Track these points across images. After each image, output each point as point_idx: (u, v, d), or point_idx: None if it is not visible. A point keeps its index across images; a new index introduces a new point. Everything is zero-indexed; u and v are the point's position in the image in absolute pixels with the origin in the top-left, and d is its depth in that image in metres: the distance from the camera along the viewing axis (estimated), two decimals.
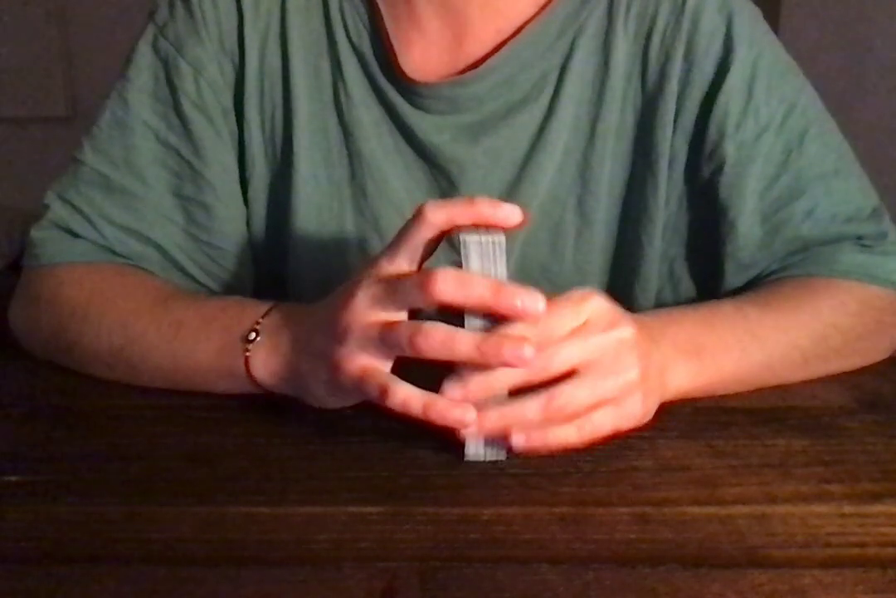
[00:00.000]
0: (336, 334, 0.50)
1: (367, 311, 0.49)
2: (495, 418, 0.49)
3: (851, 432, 0.56)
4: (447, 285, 0.46)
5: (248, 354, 0.57)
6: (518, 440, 0.49)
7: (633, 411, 0.52)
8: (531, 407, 0.49)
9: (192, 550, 0.43)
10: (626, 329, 0.51)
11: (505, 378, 0.49)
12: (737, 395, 0.61)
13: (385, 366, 0.50)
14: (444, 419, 0.47)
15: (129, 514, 0.46)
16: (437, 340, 0.47)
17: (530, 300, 0.46)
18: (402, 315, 0.50)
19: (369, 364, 0.50)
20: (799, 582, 0.40)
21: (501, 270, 0.48)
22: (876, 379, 0.65)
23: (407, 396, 0.48)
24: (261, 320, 0.57)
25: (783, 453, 0.53)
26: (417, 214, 0.50)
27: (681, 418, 0.57)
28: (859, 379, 0.65)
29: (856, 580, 0.40)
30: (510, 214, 0.49)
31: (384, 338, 0.49)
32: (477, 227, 0.49)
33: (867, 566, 0.42)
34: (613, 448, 0.52)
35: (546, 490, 0.48)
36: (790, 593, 0.40)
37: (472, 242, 0.48)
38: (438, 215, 0.49)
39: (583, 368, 0.50)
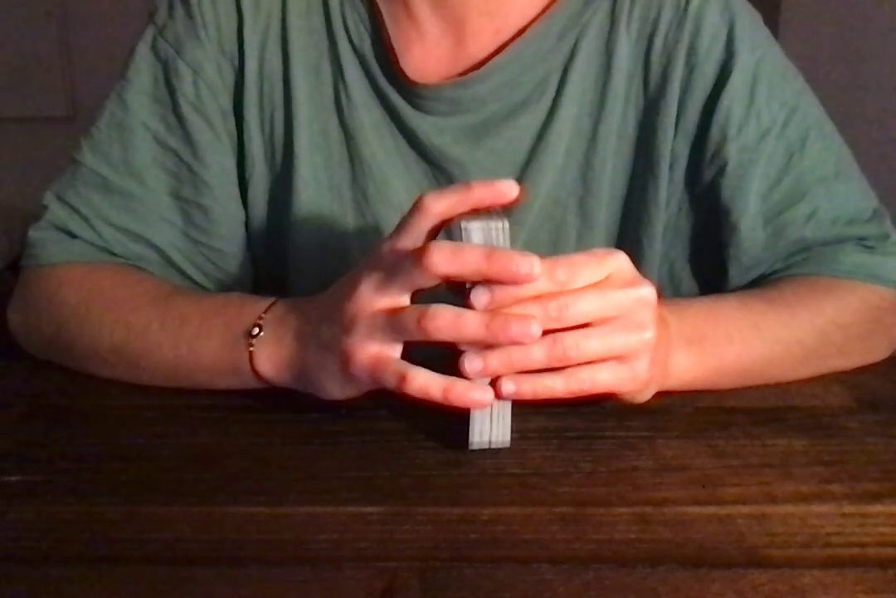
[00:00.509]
0: (343, 324, 0.50)
1: (372, 298, 0.50)
2: (498, 359, 0.48)
3: (851, 432, 0.56)
4: (441, 257, 0.46)
5: (251, 349, 0.57)
6: (508, 387, 0.49)
7: (638, 374, 0.51)
8: (535, 352, 0.48)
9: (192, 550, 0.43)
10: (646, 288, 0.50)
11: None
12: (737, 395, 0.61)
13: (395, 352, 0.50)
14: (464, 401, 0.48)
15: (129, 514, 0.46)
16: (445, 321, 0.47)
17: (525, 263, 0.46)
18: (406, 299, 0.50)
19: (380, 352, 0.50)
20: (799, 582, 0.40)
21: None
22: (876, 379, 0.65)
23: (426, 380, 0.48)
24: (263, 315, 0.57)
25: (783, 453, 0.53)
26: (417, 205, 0.50)
27: (681, 418, 0.57)
28: (859, 379, 0.65)
29: (856, 580, 0.40)
30: (506, 189, 0.49)
31: (392, 324, 0.49)
32: (477, 212, 0.49)
33: (867, 566, 0.42)
34: (613, 448, 0.52)
35: (546, 490, 0.48)
36: (790, 593, 0.40)
37: (474, 229, 0.48)
38: (439, 204, 0.49)
39: (598, 321, 0.49)
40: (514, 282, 0.47)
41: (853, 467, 0.51)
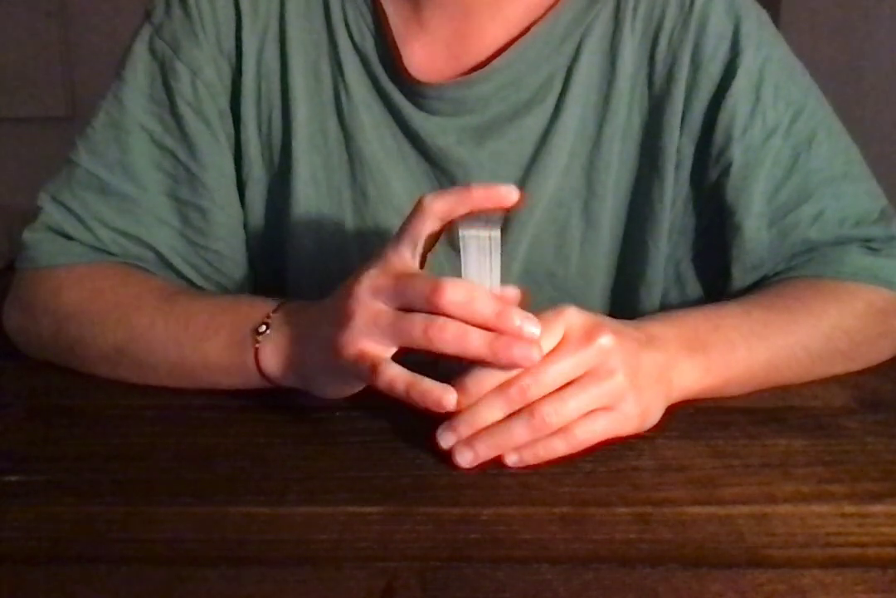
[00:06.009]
0: (339, 319, 0.51)
1: (372, 299, 0.50)
2: (486, 445, 0.50)
3: (851, 432, 0.56)
4: (455, 297, 0.47)
5: (257, 345, 0.57)
6: (512, 460, 0.50)
7: (628, 414, 0.52)
8: (517, 429, 0.50)
9: (192, 550, 0.43)
10: (604, 337, 0.51)
11: (490, 415, 0.50)
12: (737, 395, 0.60)
13: (387, 352, 0.50)
14: (424, 401, 0.48)
15: (129, 514, 0.46)
16: (452, 334, 0.48)
17: (529, 325, 0.48)
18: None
19: (369, 348, 0.50)
20: (799, 582, 0.40)
21: (496, 262, 0.50)
22: (876, 379, 0.65)
23: (393, 376, 0.49)
24: (272, 314, 0.58)
25: (783, 453, 0.53)
26: (417, 206, 0.51)
27: (681, 418, 0.57)
28: (859, 379, 0.65)
29: (856, 580, 0.40)
30: (506, 194, 0.50)
31: (396, 326, 0.49)
32: (477, 215, 0.50)
33: (867, 566, 0.42)
34: (613, 448, 0.52)
35: (546, 490, 0.48)
36: (790, 593, 0.40)
37: (469, 237, 0.49)
38: (438, 206, 0.50)
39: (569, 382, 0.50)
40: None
41: (853, 467, 0.51)
